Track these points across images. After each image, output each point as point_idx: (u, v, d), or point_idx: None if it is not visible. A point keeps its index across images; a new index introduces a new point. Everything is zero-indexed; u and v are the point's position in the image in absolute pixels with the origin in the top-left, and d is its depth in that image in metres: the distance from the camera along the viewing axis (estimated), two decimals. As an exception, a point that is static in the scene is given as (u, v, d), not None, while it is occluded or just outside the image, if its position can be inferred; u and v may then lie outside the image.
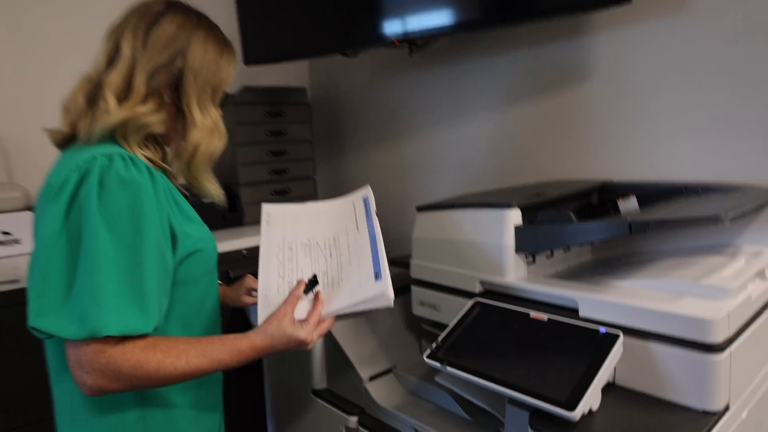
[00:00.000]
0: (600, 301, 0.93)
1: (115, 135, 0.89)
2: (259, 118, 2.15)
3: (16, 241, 1.69)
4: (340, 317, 0.95)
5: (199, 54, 0.93)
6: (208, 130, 0.95)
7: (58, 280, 0.80)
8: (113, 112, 0.87)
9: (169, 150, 1.00)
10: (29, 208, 1.75)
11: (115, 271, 0.79)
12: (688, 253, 1.15)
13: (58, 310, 0.79)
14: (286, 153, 2.21)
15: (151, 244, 0.83)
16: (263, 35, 1.95)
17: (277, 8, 1.90)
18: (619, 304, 0.90)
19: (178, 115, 0.94)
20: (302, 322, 0.91)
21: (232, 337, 0.89)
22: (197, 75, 0.93)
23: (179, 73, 0.91)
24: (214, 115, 0.97)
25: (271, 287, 0.97)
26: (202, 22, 0.96)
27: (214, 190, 1.01)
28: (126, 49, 0.90)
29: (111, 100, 0.88)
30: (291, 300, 0.92)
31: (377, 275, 0.93)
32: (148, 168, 0.87)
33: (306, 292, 0.94)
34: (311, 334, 0.91)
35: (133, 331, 0.80)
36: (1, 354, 1.46)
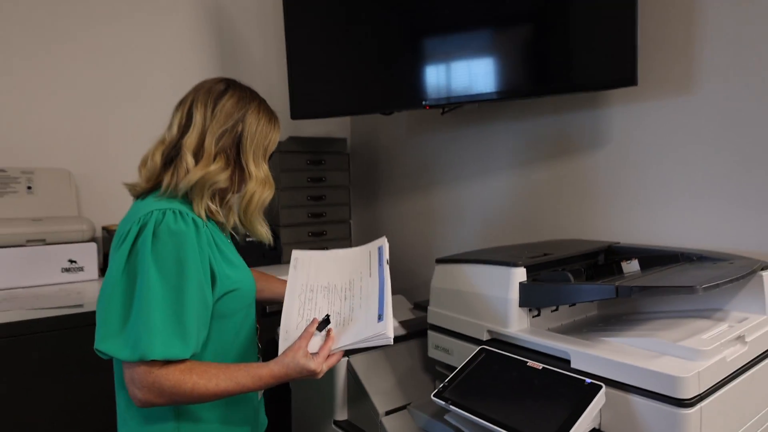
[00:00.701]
0: (589, 355, 1.05)
1: (188, 191, 1.10)
2: (302, 165, 2.35)
3: (81, 269, 1.91)
4: (348, 351, 1.12)
5: (254, 121, 1.15)
6: (261, 182, 1.17)
7: (118, 312, 1.00)
8: (192, 170, 1.09)
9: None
10: (94, 239, 1.98)
11: (162, 307, 0.98)
12: (680, 315, 1.25)
13: (116, 336, 0.99)
14: (324, 198, 2.40)
15: (193, 285, 1.02)
16: (309, 94, 2.17)
17: (323, 71, 2.12)
18: (604, 358, 1.02)
19: (236, 171, 1.15)
20: (314, 354, 1.08)
21: (255, 365, 1.06)
22: (253, 137, 1.15)
23: (239, 137, 1.14)
24: (266, 170, 1.19)
25: (291, 324, 1.15)
26: (255, 97, 1.19)
27: (264, 233, 1.24)
28: (198, 118, 1.12)
29: (190, 159, 1.09)
30: (305, 335, 1.09)
31: (380, 317, 1.09)
32: (194, 220, 1.07)
33: (319, 329, 1.11)
34: (321, 366, 1.07)
35: (174, 356, 0.98)
36: (68, 370, 1.63)
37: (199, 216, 1.09)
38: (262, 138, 1.17)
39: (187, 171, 1.09)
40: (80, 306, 1.63)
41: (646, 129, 1.59)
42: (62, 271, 1.86)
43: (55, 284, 1.85)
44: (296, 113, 2.18)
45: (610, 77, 1.47)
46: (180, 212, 1.05)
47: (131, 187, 1.17)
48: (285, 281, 1.32)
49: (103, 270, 2.02)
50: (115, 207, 2.10)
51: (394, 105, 1.98)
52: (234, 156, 1.14)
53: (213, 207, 1.13)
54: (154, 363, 0.98)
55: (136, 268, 1.00)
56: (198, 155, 1.10)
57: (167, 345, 0.97)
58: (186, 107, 1.15)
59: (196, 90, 1.16)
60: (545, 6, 1.60)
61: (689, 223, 1.50)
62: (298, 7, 2.13)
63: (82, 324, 1.62)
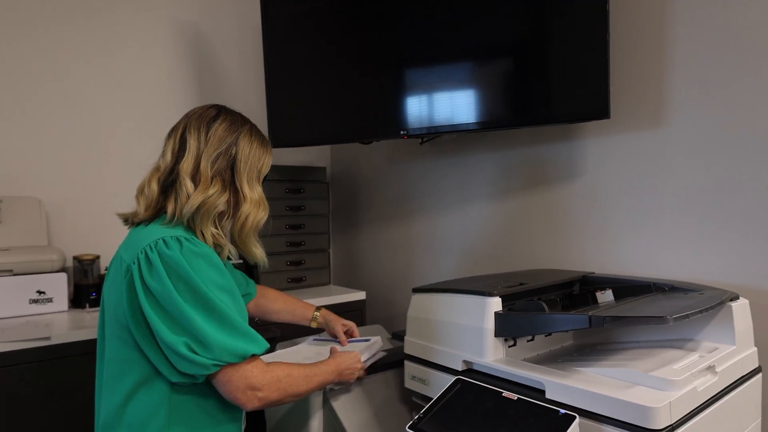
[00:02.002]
0: (563, 385, 1.05)
1: (191, 217, 1.12)
2: (281, 194, 2.35)
3: (50, 300, 1.86)
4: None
5: (247, 144, 1.18)
6: (256, 204, 1.20)
7: (200, 328, 1.01)
8: (193, 195, 1.10)
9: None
10: (64, 270, 1.94)
11: (236, 315, 1.07)
12: (653, 345, 1.27)
13: (213, 347, 1.02)
14: (303, 227, 2.40)
15: (239, 295, 1.14)
16: (289, 122, 2.18)
17: (302, 100, 2.14)
18: (578, 388, 1.02)
19: (231, 194, 1.17)
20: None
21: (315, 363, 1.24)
22: (247, 160, 1.18)
23: (233, 159, 1.16)
24: (260, 191, 1.22)
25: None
26: (246, 121, 1.22)
27: (260, 255, 1.26)
28: (192, 143, 1.14)
29: (189, 184, 1.11)
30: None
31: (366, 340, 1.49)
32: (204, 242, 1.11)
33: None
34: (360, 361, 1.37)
35: (266, 346, 1.09)
36: (32, 405, 1.58)
37: (206, 242, 1.12)
38: (256, 160, 1.19)
39: (188, 196, 1.10)
40: (47, 339, 1.58)
41: (618, 160, 1.63)
42: (30, 303, 1.82)
43: (22, 316, 1.81)
44: (275, 141, 2.19)
45: (584, 110, 1.51)
46: (190, 238, 1.08)
47: (129, 216, 1.18)
48: (307, 304, 1.60)
49: (73, 301, 1.98)
50: (86, 236, 2.07)
51: (373, 134, 2.00)
52: (229, 179, 1.16)
53: (215, 231, 1.15)
54: (257, 360, 1.08)
55: (189, 286, 1.03)
56: (195, 179, 1.12)
57: (258, 341, 1.08)
58: (179, 133, 1.16)
59: (188, 116, 1.19)
60: (523, 41, 1.64)
61: (661, 254, 1.53)
62: (278, 35, 2.15)
63: (49, 357, 1.58)
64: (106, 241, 2.02)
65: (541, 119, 1.61)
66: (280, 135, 2.18)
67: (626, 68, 1.58)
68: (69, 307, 1.91)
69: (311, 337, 1.65)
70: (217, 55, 2.49)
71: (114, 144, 2.17)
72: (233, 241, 1.22)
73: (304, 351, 1.55)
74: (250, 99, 2.58)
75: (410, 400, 1.48)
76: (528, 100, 1.63)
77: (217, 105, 1.22)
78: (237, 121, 1.19)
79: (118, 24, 2.23)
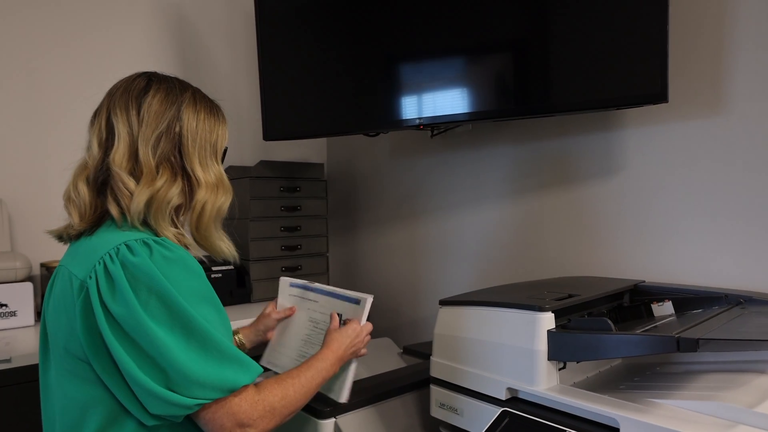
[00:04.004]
0: (645, 424, 0.85)
1: (145, 219, 0.89)
2: (275, 193, 2.12)
3: (13, 314, 1.63)
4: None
5: (192, 115, 0.95)
6: (212, 187, 0.96)
7: (179, 358, 0.80)
8: (136, 192, 0.87)
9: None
10: (30, 279, 1.70)
11: (222, 336, 0.85)
12: (725, 369, 1.07)
13: (195, 382, 0.81)
14: (299, 228, 2.18)
15: (219, 305, 0.92)
16: (285, 113, 1.96)
17: (301, 87, 1.92)
18: (667, 429, 0.82)
19: (185, 181, 0.94)
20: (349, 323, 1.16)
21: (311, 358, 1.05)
22: (195, 135, 0.95)
23: (179, 138, 0.93)
24: (217, 171, 0.98)
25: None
26: (185, 86, 0.99)
27: (226, 249, 1.02)
28: (122, 128, 0.91)
29: (127, 179, 0.88)
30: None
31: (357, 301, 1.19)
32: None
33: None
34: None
35: (258, 371, 0.88)
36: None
37: None
38: (207, 133, 0.96)
39: (131, 194, 0.87)
40: (8, 361, 1.35)
41: (664, 153, 1.44)
42: (-12, 317, 1.58)
43: (-21, 332, 1.57)
44: (270, 134, 1.96)
45: (637, 93, 1.30)
46: (160, 240, 0.87)
47: (62, 231, 0.94)
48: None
49: (40, 314, 1.74)
50: (54, 241, 1.80)
51: (381, 125, 1.79)
52: (179, 163, 0.93)
53: (175, 231, 0.93)
54: (247, 389, 0.87)
55: (163, 303, 0.81)
56: (135, 173, 0.89)
57: (249, 366, 0.87)
58: (104, 117, 0.93)
59: (111, 94, 0.95)
60: (568, 10, 1.41)
61: (717, 260, 1.34)
62: (274, 18, 1.93)
63: (9, 382, 1.34)
64: (77, 245, 1.77)
65: (583, 104, 1.40)
66: (275, 127, 1.96)
67: (679, 43, 1.38)
68: (36, 321, 1.67)
69: (286, 281, 1.38)
70: (202, 41, 2.26)
71: (86, 140, 1.92)
72: (192, 237, 0.99)
73: (297, 321, 1.30)
74: (240, 90, 2.35)
75: (435, 429, 1.27)
76: (569, 82, 1.42)
77: (146, 72, 0.98)
78: (174, 88, 0.95)
79: (89, 4, 1.99)
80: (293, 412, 0.95)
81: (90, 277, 0.82)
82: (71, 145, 1.87)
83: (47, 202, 1.86)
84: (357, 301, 1.19)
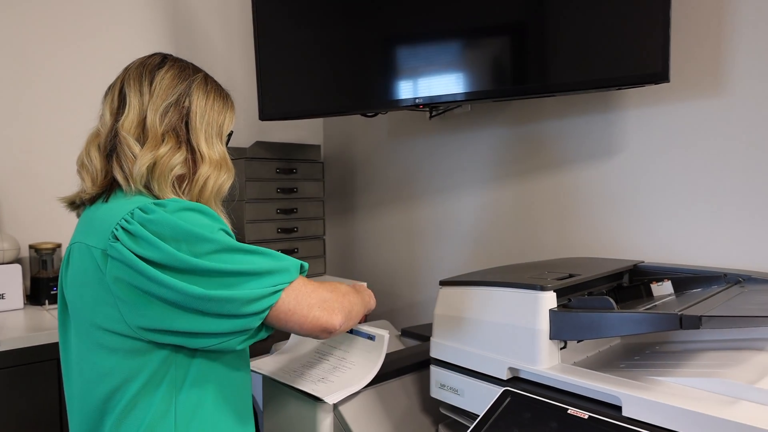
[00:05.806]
0: (647, 401, 0.85)
1: (147, 182, 0.91)
2: (271, 175, 2.10)
3: (1, 297, 1.61)
4: None
5: (203, 95, 0.99)
6: (216, 164, 0.98)
7: (245, 262, 0.85)
8: (139, 155, 0.89)
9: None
10: (18, 260, 1.68)
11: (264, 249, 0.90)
12: (725, 346, 1.08)
13: (273, 265, 0.88)
14: (296, 211, 2.16)
15: None
16: (281, 92, 1.93)
17: (297, 67, 1.89)
18: (669, 405, 0.82)
19: (189, 154, 0.96)
20: None
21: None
22: (203, 114, 0.98)
23: (188, 112, 0.96)
24: (221, 150, 1.01)
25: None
26: (198, 70, 1.02)
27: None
28: (133, 97, 0.93)
29: (133, 144, 0.90)
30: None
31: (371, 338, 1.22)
32: None
33: None
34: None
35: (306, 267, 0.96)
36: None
37: None
38: (215, 114, 1.00)
39: (135, 157, 0.89)
40: (-1, 343, 1.34)
41: (664, 135, 1.43)
42: (-22, 300, 1.57)
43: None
44: (266, 113, 1.94)
45: (638, 72, 1.29)
46: (176, 199, 0.89)
47: (75, 197, 0.95)
48: None
49: (30, 297, 1.73)
50: (44, 222, 1.80)
51: (378, 104, 1.77)
52: (184, 136, 0.95)
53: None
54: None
55: (196, 241, 0.82)
56: (141, 139, 0.91)
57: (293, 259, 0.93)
58: (117, 89, 0.96)
59: (127, 69, 0.98)
60: None
61: (716, 240, 1.34)
62: (269, -3, 1.90)
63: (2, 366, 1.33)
64: (67, 227, 1.72)
65: (585, 84, 1.39)
66: (271, 106, 1.94)
67: (679, 20, 1.36)
68: (25, 304, 1.66)
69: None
70: (197, 20, 2.22)
71: (76, 119, 1.89)
72: None
73: (307, 345, 1.35)
74: (235, 69, 2.32)
75: (435, 411, 1.28)
76: (569, 61, 1.40)
77: (162, 53, 1.02)
78: (188, 68, 1.00)
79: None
80: (355, 314, 1.02)
81: (111, 242, 0.81)
82: (61, 129, 1.86)
83: (35, 183, 1.83)
84: (372, 338, 1.21)
